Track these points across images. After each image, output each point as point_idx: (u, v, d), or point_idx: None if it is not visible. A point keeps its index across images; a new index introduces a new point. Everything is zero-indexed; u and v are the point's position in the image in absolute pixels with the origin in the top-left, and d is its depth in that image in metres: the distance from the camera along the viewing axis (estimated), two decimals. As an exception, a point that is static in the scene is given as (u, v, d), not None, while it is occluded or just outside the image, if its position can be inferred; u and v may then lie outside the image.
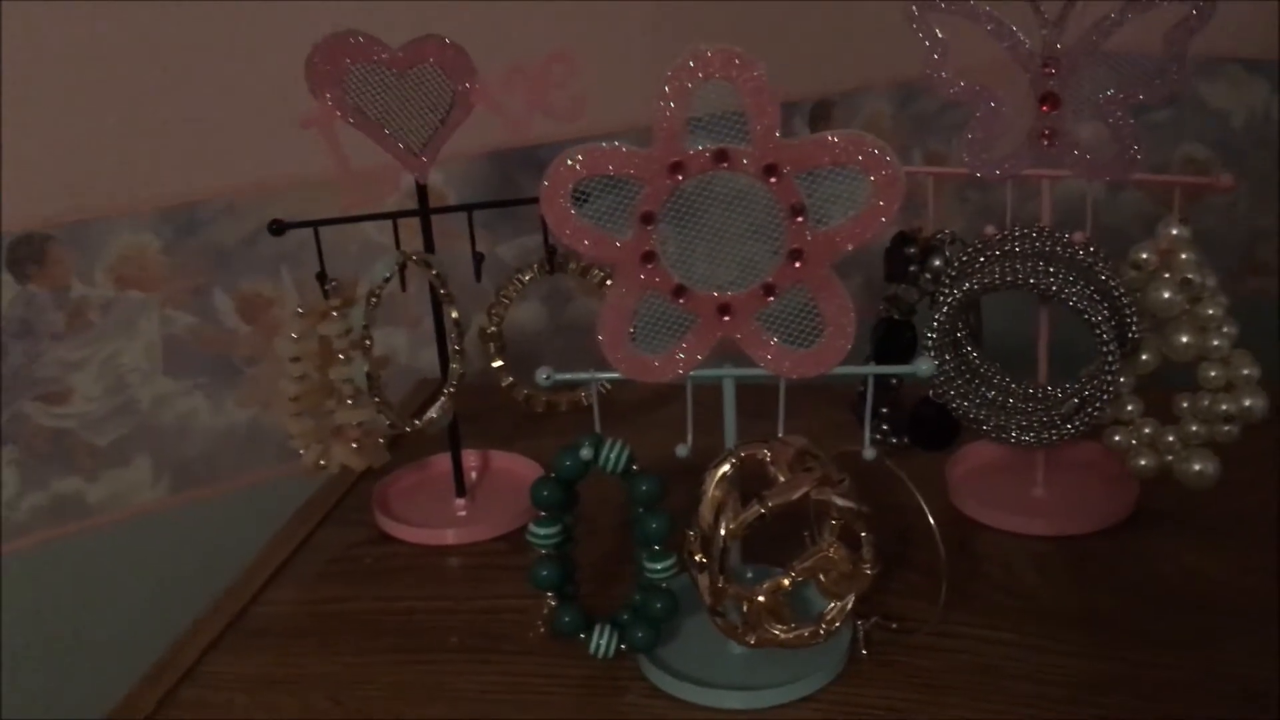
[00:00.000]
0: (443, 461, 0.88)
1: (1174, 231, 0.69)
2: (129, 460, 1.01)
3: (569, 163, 0.58)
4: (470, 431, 0.86)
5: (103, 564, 1.02)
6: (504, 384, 0.87)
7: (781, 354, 0.61)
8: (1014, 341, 0.81)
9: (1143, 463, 0.73)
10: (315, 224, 0.76)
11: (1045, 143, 0.71)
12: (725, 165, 0.57)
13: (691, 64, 0.56)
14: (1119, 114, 0.69)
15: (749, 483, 0.62)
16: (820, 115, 1.24)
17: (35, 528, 0.99)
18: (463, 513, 0.85)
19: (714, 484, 0.61)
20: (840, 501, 0.60)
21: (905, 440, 0.84)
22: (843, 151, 0.57)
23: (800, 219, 0.58)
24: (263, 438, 1.06)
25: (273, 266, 1.03)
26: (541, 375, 0.63)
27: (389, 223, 0.79)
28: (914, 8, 0.72)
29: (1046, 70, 0.70)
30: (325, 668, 0.69)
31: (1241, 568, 0.72)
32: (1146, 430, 0.72)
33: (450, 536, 0.81)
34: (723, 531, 0.60)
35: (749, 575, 0.67)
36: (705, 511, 0.60)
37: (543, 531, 0.64)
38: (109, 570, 1.02)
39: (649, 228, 0.59)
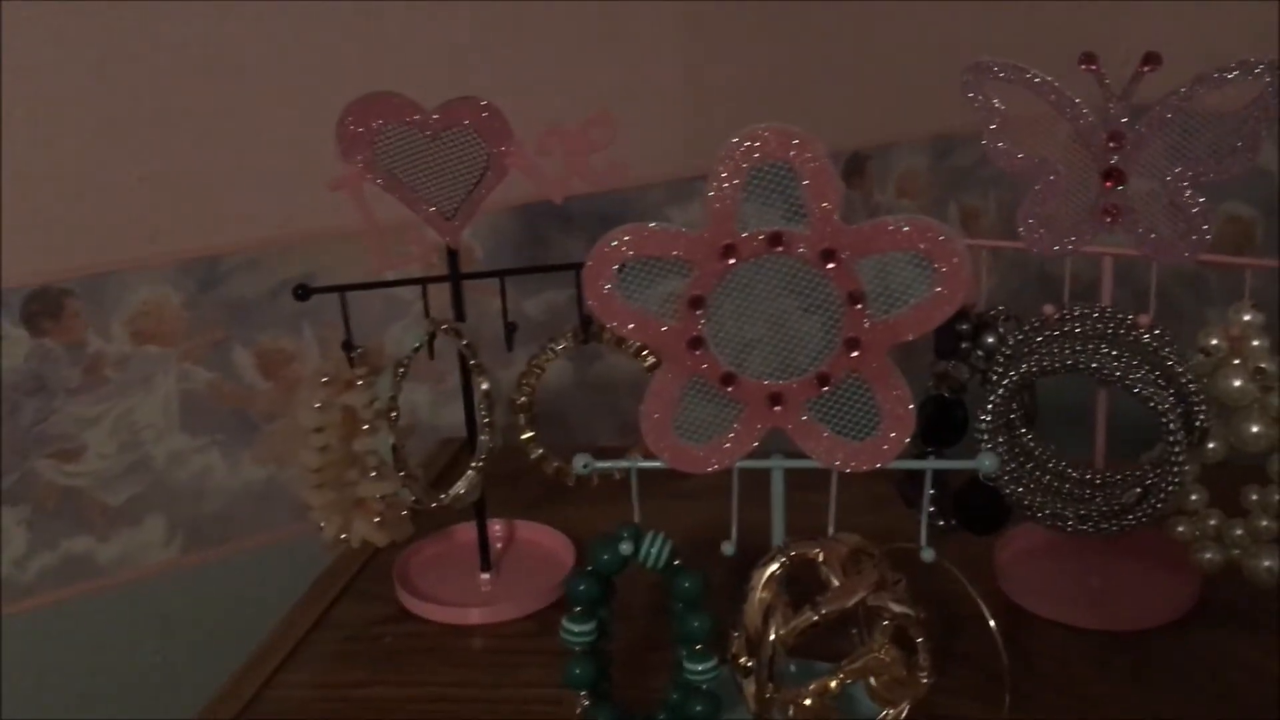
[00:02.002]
0: (467, 531, 0.84)
1: (1245, 317, 0.66)
2: (141, 519, 0.98)
3: (614, 244, 0.55)
4: (497, 496, 0.83)
5: (112, 626, 0.98)
6: (534, 456, 0.83)
7: (834, 446, 0.58)
8: (1070, 417, 0.77)
9: (1208, 556, 0.69)
10: (341, 289, 0.73)
11: (1108, 219, 0.68)
12: (780, 249, 0.54)
13: (748, 144, 0.52)
14: (1187, 192, 0.66)
15: (797, 572, 0.58)
16: (855, 169, 1.21)
17: (43, 588, 0.95)
18: (487, 589, 0.81)
19: (762, 584, 0.57)
20: (897, 607, 0.56)
21: (953, 522, 0.80)
22: (906, 238, 0.53)
23: (859, 306, 0.55)
24: (279, 496, 1.03)
25: (294, 321, 1.00)
26: (580, 464, 0.60)
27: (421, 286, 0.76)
28: (968, 76, 0.69)
29: (1111, 144, 0.67)
30: (343, 762, 0.65)
31: (1312, 670, 0.68)
32: (1212, 522, 0.69)
33: (475, 616, 0.78)
34: (772, 637, 0.56)
35: (792, 669, 0.64)
36: (753, 614, 0.57)
37: (577, 629, 0.61)
38: (118, 633, 0.99)
39: (697, 312, 0.56)
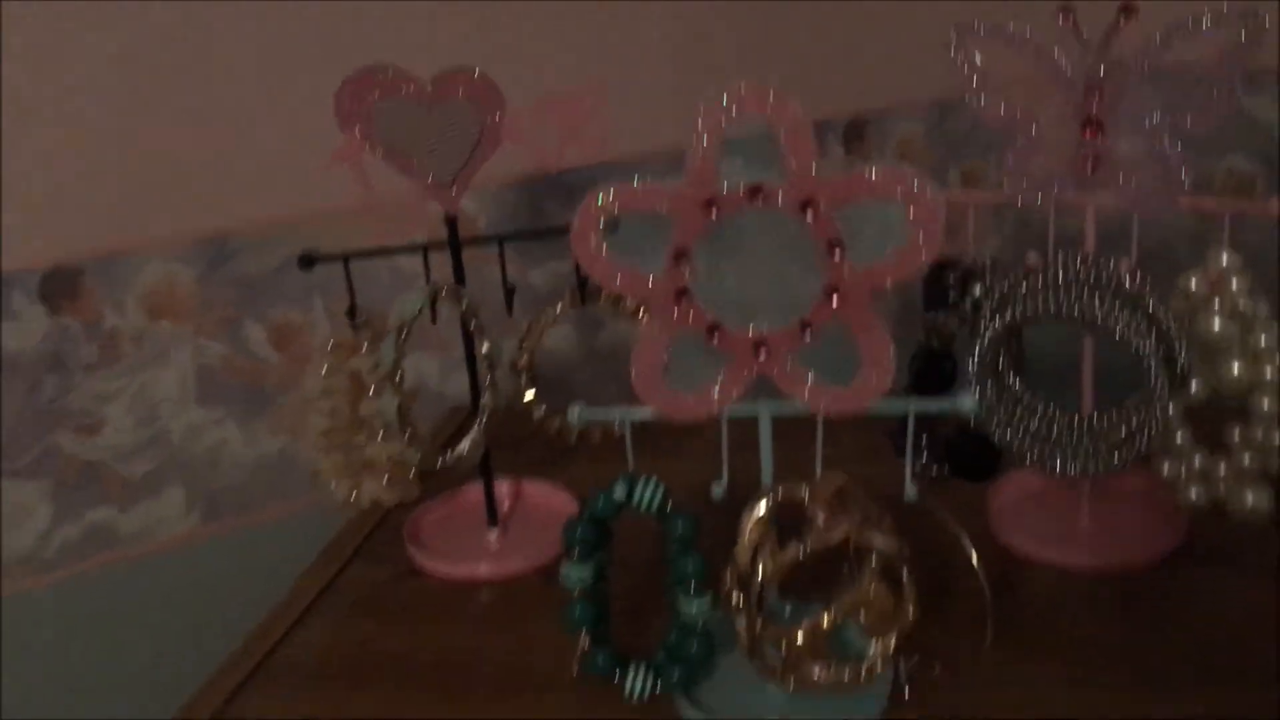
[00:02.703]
0: (475, 491, 0.87)
1: (1224, 260, 0.67)
2: (161, 491, 1.01)
3: (600, 200, 0.57)
4: (503, 459, 0.85)
5: (135, 595, 1.01)
6: (536, 416, 0.86)
7: (819, 391, 0.60)
8: (1058, 365, 0.79)
9: (1193, 495, 0.70)
10: (345, 256, 0.76)
11: (1088, 168, 0.70)
12: (760, 201, 0.56)
13: (725, 100, 0.54)
14: (1165, 139, 0.67)
15: (786, 514, 0.60)
16: (854, 135, 1.23)
17: (67, 559, 0.98)
18: (495, 545, 0.84)
19: (751, 525, 0.59)
20: (881, 543, 0.58)
21: (945, 470, 0.82)
22: (881, 185, 0.55)
23: (837, 255, 0.56)
24: (294, 467, 1.06)
25: (304, 295, 1.03)
26: (573, 413, 0.62)
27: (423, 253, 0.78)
28: (953, 34, 0.70)
29: (1090, 95, 0.68)
30: (356, 710, 0.68)
31: (1296, 604, 0.70)
32: (1197, 461, 0.70)
33: (483, 570, 0.80)
34: (760, 574, 0.58)
35: (786, 611, 0.66)
36: (742, 553, 0.59)
37: (575, 572, 0.63)
38: (141, 602, 1.02)
39: (681, 264, 0.58)
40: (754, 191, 0.56)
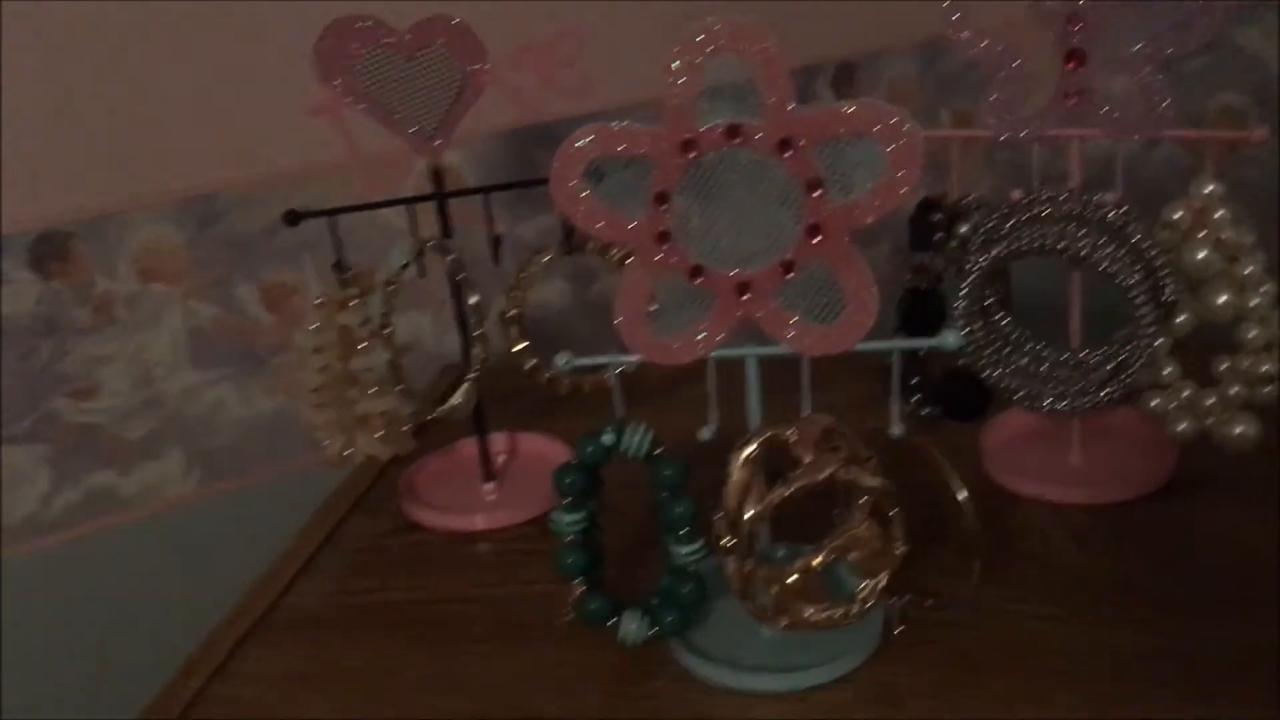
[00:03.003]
0: (470, 446, 0.87)
1: (1207, 189, 0.67)
2: (159, 453, 1.02)
3: (579, 143, 0.57)
4: (497, 414, 0.86)
5: (138, 557, 1.02)
6: (527, 367, 0.86)
7: (803, 331, 0.60)
8: (1047, 305, 0.79)
9: (1182, 427, 0.71)
10: (330, 212, 0.75)
11: (1072, 101, 0.69)
12: (738, 141, 0.56)
13: (699, 38, 0.54)
14: (1147, 69, 0.67)
15: (776, 460, 0.60)
16: (844, 78, 1.22)
17: (70, 523, 0.99)
18: (491, 497, 0.84)
19: (739, 466, 0.59)
20: (868, 480, 0.59)
21: (937, 411, 0.82)
22: (859, 121, 0.55)
23: (818, 193, 0.56)
24: (290, 427, 1.06)
25: (294, 255, 1.03)
26: (560, 360, 0.63)
27: (408, 207, 0.78)
28: (932, -33, 0.70)
29: (1071, 26, 0.68)
30: (355, 660, 0.69)
31: (1286, 532, 0.70)
32: (1185, 393, 0.70)
33: (479, 522, 0.81)
34: (748, 515, 0.59)
35: (778, 554, 0.66)
36: (731, 495, 0.59)
37: (567, 518, 0.63)
38: (144, 563, 1.03)
39: (663, 207, 0.58)
40: (733, 131, 0.56)
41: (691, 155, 0.56)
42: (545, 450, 0.88)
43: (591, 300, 1.15)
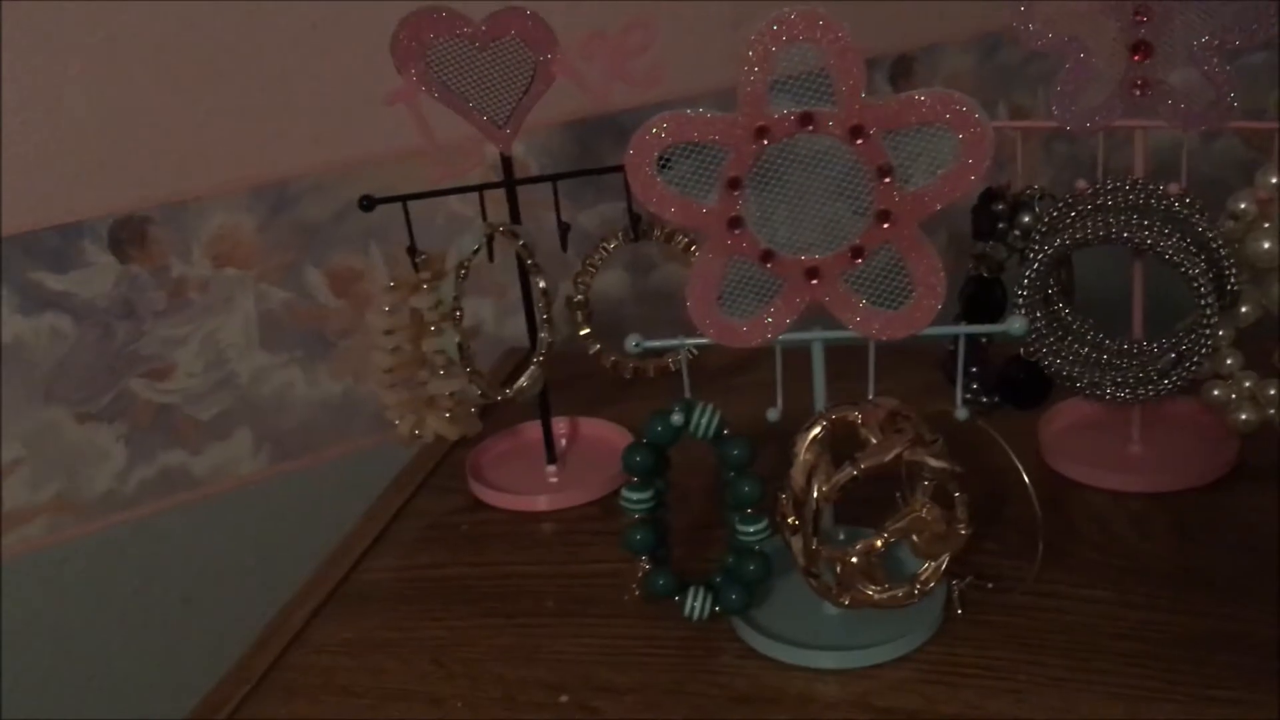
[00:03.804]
0: (533, 429, 0.89)
1: (1274, 180, 0.67)
2: (230, 433, 1.05)
3: (654, 131, 0.58)
4: (559, 399, 0.88)
5: (210, 533, 1.05)
6: (591, 351, 0.88)
7: (870, 316, 0.61)
8: (1108, 296, 0.79)
9: (1244, 417, 0.71)
10: (404, 198, 0.77)
11: (1137, 92, 0.70)
12: (811, 128, 0.57)
13: (775, 27, 0.55)
14: (1214, 61, 0.67)
15: (840, 445, 0.62)
16: (902, 72, 1.22)
17: (144, 500, 1.02)
18: (554, 479, 0.86)
19: (805, 447, 0.61)
20: (933, 462, 0.60)
21: (996, 399, 0.83)
22: (930, 110, 0.56)
23: (888, 179, 0.58)
24: (356, 408, 1.09)
25: (361, 241, 1.05)
26: (631, 343, 0.64)
27: (474, 195, 0.80)
28: (998, -40, 0.71)
29: (1138, 18, 0.69)
30: (426, 631, 0.71)
31: (1347, 523, 0.70)
32: (1247, 384, 0.71)
33: (543, 503, 0.83)
34: (815, 494, 0.60)
35: (841, 537, 0.68)
36: (797, 475, 0.61)
37: (635, 496, 0.65)
38: (216, 539, 1.06)
39: (735, 193, 0.59)
40: (805, 119, 0.57)
41: (764, 142, 0.58)
42: (606, 435, 0.90)
43: (649, 289, 1.17)
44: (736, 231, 0.60)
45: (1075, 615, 0.65)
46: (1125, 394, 0.73)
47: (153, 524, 1.03)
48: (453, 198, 0.88)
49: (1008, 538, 0.72)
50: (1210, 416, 0.76)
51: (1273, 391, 0.70)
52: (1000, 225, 0.78)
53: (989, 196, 0.78)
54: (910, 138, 0.57)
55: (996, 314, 0.79)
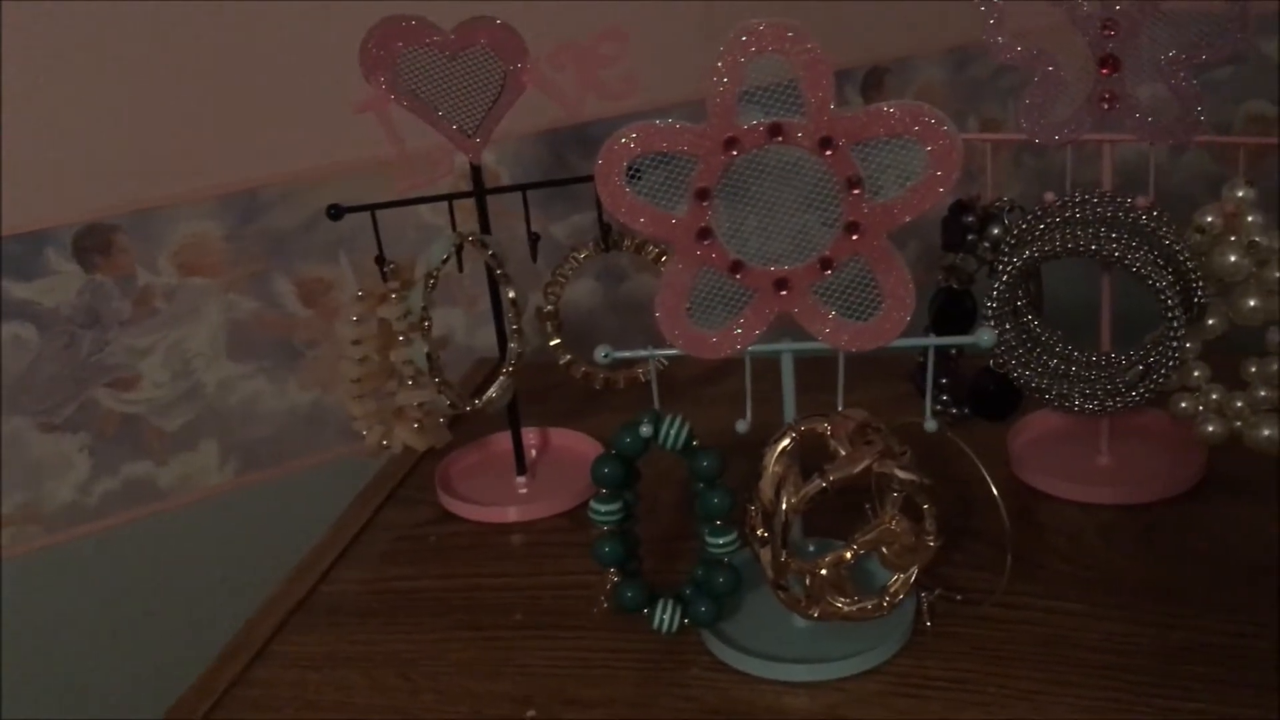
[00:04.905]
0: (503, 440, 0.88)
1: (1239, 193, 0.68)
2: (197, 444, 1.04)
3: (623, 141, 0.58)
4: (530, 410, 0.87)
5: (175, 546, 1.04)
6: (562, 362, 0.87)
7: (840, 327, 0.61)
8: (1077, 307, 0.80)
9: (1210, 429, 0.71)
10: (372, 207, 0.77)
11: (1105, 106, 0.70)
12: (780, 139, 0.57)
13: (744, 39, 0.55)
14: (1181, 75, 0.68)
15: (809, 456, 0.62)
16: (874, 83, 1.23)
17: (109, 511, 1.01)
18: (524, 490, 0.85)
19: (774, 459, 0.61)
20: (902, 474, 0.60)
21: (966, 411, 0.83)
22: (899, 122, 0.56)
23: (857, 191, 0.57)
24: (325, 419, 1.08)
25: (330, 250, 1.05)
26: (600, 353, 0.64)
27: (445, 204, 0.79)
28: (968, -27, 0.71)
29: (1105, 32, 0.69)
30: (393, 645, 0.70)
31: (1313, 534, 0.71)
32: (1214, 396, 0.71)
33: (512, 514, 0.82)
34: (784, 506, 0.60)
35: (810, 549, 0.67)
36: (766, 486, 0.61)
37: (604, 508, 0.65)
38: (182, 551, 1.04)
39: (704, 204, 0.59)
40: (774, 130, 0.57)
41: (734, 153, 0.58)
42: (576, 445, 0.90)
43: (621, 298, 1.17)
44: (705, 242, 0.60)
45: (1045, 627, 0.65)
46: (1094, 406, 0.73)
47: (117, 536, 1.02)
48: (424, 207, 0.87)
49: (977, 549, 0.72)
50: (1178, 427, 0.76)
51: (1239, 404, 0.70)
52: (970, 237, 0.78)
53: (959, 208, 0.78)
54: (879, 149, 0.57)
55: (966, 325, 0.79)
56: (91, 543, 1.01)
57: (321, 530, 0.84)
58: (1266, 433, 0.70)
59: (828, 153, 0.57)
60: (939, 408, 0.84)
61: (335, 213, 0.77)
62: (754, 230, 0.60)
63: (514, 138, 1.08)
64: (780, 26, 0.55)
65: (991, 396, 0.79)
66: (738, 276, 0.60)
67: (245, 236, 1.01)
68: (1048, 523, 0.75)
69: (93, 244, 0.96)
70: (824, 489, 0.59)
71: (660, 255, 0.84)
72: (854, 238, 0.59)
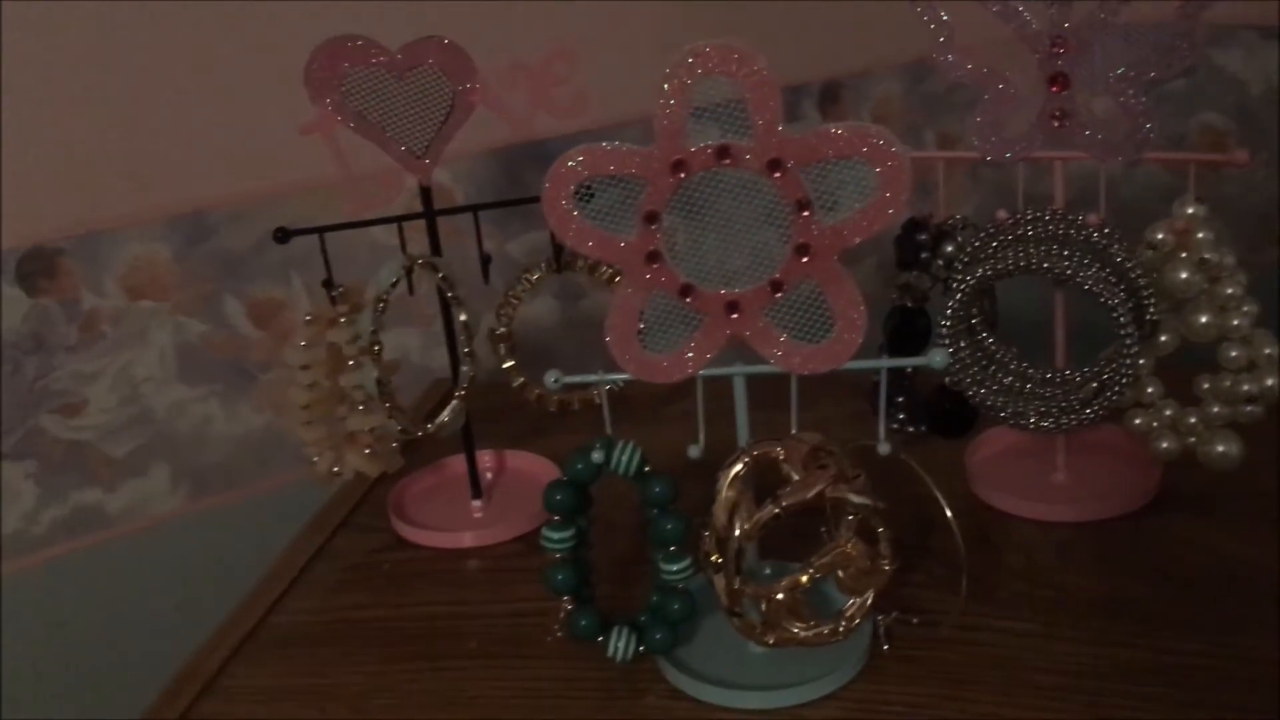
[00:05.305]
0: (458, 463, 0.87)
1: (1190, 210, 0.68)
2: (146, 470, 1.02)
3: (570, 164, 0.57)
4: (485, 431, 0.86)
5: (124, 574, 1.02)
6: (516, 384, 0.86)
7: (792, 350, 0.60)
8: (1032, 323, 0.80)
9: (1165, 445, 0.71)
10: (320, 230, 0.76)
11: (1056, 124, 0.70)
12: (728, 161, 0.56)
13: (691, 60, 0.55)
14: (1130, 92, 0.68)
15: (765, 477, 0.61)
16: (830, 98, 1.23)
17: (56, 540, 0.99)
18: (479, 515, 0.84)
19: (727, 484, 0.60)
20: (856, 499, 0.59)
21: (923, 428, 0.83)
22: (847, 143, 0.56)
23: (806, 213, 0.57)
24: (279, 443, 1.06)
25: (282, 271, 1.03)
26: (550, 379, 0.63)
27: (398, 225, 0.78)
28: (918, -9, 0.71)
29: (1055, 50, 0.69)
30: (344, 677, 0.69)
31: (1267, 549, 0.70)
32: (1168, 412, 0.71)
33: (467, 539, 0.81)
34: (737, 533, 0.59)
35: (766, 572, 0.67)
36: (719, 512, 0.60)
37: (556, 535, 0.64)
38: (131, 580, 1.02)
39: (653, 226, 0.58)
40: (722, 152, 0.56)
41: (681, 175, 0.57)
42: (533, 467, 0.89)
43: (579, 316, 1.16)
44: (655, 266, 0.59)
45: (1001, 649, 0.65)
46: (1049, 423, 0.73)
47: (64, 565, 0.99)
48: (376, 228, 0.86)
49: (934, 570, 0.71)
50: (1134, 442, 0.76)
51: (1193, 420, 0.70)
52: (924, 255, 0.78)
53: (912, 226, 0.78)
54: (828, 171, 0.56)
55: (921, 344, 0.79)
56: (38, 572, 0.98)
57: (275, 554, 0.82)
58: (1220, 449, 0.70)
59: (776, 175, 0.56)
60: (895, 426, 0.84)
61: (282, 236, 0.75)
62: (705, 253, 0.59)
63: (468, 155, 1.07)
64: (727, 48, 0.54)
65: (947, 414, 0.79)
66: (688, 300, 0.60)
67: (194, 258, 1.00)
68: (1004, 541, 0.74)
69: (37, 268, 0.94)
70: (777, 515, 0.59)
71: (614, 276, 0.83)
72: (804, 260, 0.58)
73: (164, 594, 1.03)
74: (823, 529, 0.64)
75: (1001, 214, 0.73)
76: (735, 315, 0.60)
